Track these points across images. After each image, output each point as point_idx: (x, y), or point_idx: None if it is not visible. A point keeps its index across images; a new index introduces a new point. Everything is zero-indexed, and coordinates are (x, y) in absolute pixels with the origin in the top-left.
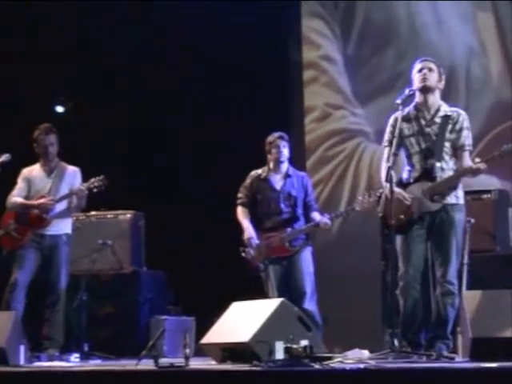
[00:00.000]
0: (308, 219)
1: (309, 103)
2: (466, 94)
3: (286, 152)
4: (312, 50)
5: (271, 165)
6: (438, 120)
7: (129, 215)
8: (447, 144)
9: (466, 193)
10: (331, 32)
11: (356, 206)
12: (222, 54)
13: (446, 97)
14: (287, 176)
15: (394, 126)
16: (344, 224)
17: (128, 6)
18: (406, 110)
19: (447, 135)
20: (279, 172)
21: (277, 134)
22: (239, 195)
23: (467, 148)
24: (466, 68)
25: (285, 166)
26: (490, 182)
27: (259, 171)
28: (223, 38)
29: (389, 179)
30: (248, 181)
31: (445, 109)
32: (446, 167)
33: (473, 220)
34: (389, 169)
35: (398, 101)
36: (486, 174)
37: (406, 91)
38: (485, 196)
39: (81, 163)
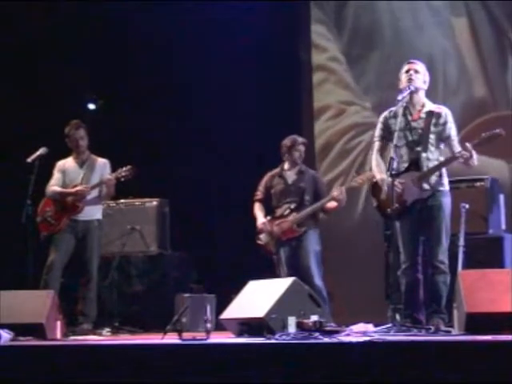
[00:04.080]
0: None
1: (323, 103)
2: (443, 91)
3: (301, 154)
4: (319, 53)
5: (286, 165)
6: (423, 115)
7: (155, 202)
8: (432, 136)
9: (461, 181)
10: (332, 34)
11: (354, 182)
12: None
13: (427, 94)
14: (300, 172)
15: (383, 123)
16: (351, 208)
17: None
18: (394, 108)
19: (432, 128)
20: (293, 169)
21: (291, 138)
22: (257, 192)
23: (453, 138)
24: (443, 68)
25: (298, 165)
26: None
27: (276, 170)
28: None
29: (390, 169)
30: (264, 179)
31: (429, 105)
32: (431, 157)
33: (467, 205)
34: (391, 160)
35: (399, 97)
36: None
37: (407, 89)
38: (478, 184)
39: (110, 155)
